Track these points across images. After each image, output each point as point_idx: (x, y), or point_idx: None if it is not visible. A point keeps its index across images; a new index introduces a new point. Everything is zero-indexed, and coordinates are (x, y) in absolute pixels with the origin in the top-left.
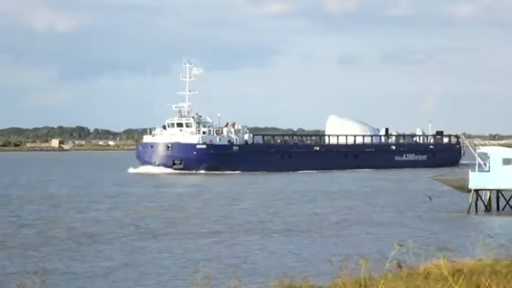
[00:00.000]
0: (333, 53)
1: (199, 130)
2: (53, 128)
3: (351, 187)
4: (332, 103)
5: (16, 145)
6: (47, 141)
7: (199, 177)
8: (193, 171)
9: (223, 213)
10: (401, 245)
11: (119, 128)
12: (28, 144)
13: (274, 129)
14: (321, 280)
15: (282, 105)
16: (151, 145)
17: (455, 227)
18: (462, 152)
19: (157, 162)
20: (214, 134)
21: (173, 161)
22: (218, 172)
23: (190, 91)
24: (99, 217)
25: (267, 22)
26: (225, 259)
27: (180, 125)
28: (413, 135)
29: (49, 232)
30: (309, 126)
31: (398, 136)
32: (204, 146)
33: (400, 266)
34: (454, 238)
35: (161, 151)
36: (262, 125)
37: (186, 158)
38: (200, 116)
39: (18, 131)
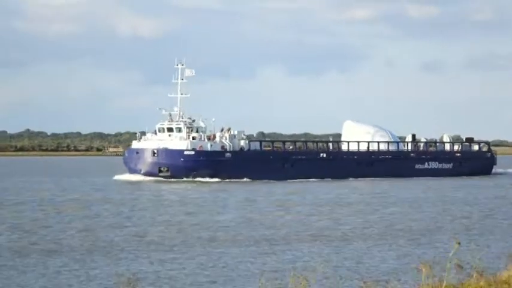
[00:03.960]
0: (417, 59)
1: (189, 135)
2: (135, 133)
3: (419, 194)
4: (415, 110)
5: (98, 150)
6: (129, 145)
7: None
8: (182, 179)
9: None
10: (459, 243)
11: None
12: (110, 149)
13: None
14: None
15: (367, 110)
16: (137, 151)
17: None
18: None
19: (142, 170)
20: (205, 140)
21: (159, 168)
22: (212, 180)
23: (182, 94)
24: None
25: (350, 27)
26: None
27: (170, 129)
28: (440, 142)
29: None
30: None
31: (426, 143)
32: (193, 152)
33: (460, 267)
34: None
35: (147, 157)
36: None
37: (173, 165)
38: (193, 121)
39: (101, 136)
